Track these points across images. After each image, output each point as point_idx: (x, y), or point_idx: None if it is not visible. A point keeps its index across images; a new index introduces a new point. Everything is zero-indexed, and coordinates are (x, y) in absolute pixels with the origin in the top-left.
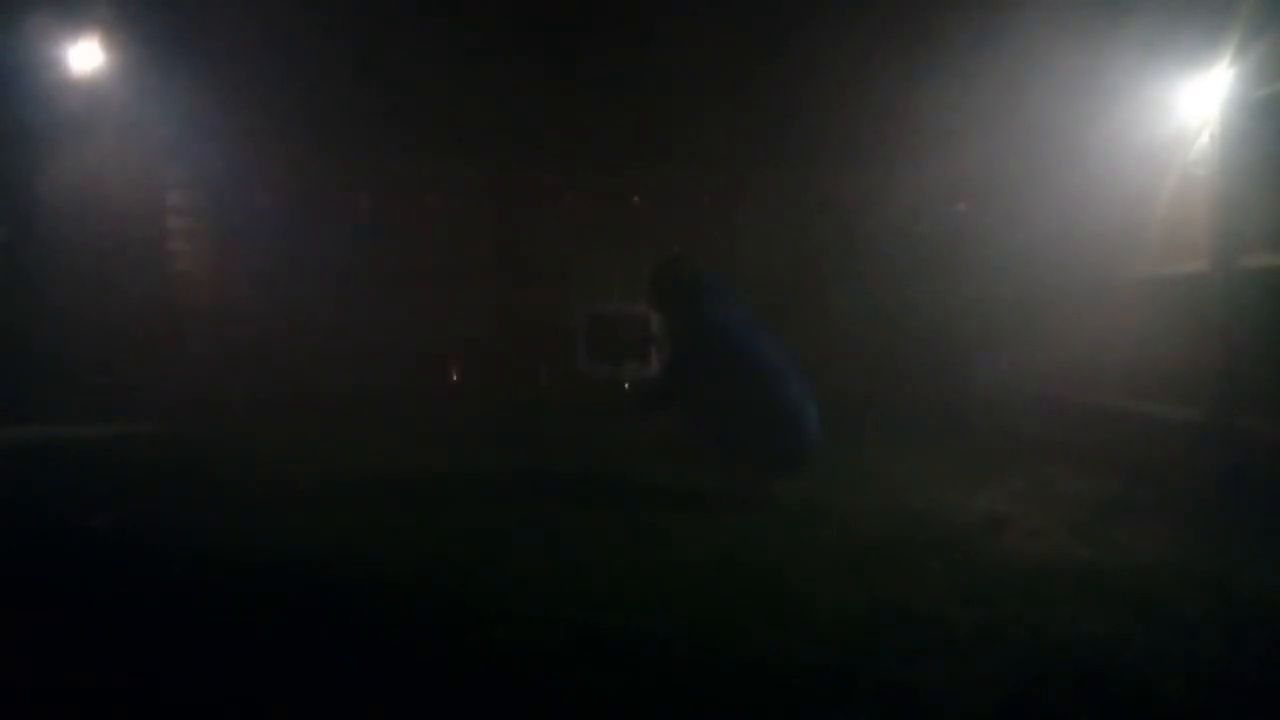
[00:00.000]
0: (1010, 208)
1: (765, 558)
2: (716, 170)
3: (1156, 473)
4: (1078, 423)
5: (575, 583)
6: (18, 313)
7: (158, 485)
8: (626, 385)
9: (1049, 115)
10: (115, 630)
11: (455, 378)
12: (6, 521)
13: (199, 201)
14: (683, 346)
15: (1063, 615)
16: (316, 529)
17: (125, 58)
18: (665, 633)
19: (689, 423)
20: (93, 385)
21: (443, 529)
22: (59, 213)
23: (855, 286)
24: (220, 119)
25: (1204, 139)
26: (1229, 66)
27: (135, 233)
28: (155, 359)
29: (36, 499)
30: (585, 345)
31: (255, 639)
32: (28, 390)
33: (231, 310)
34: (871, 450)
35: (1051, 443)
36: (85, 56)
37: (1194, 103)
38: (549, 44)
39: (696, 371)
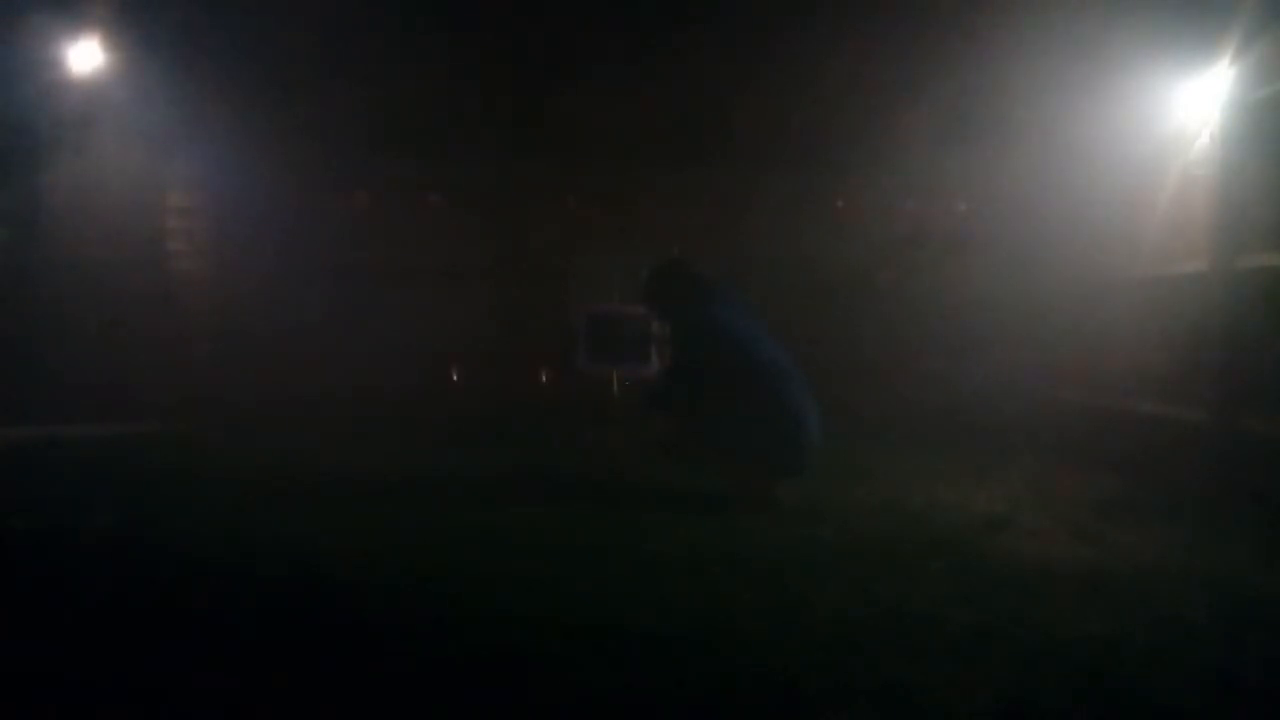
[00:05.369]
0: (1010, 207)
1: (765, 558)
2: (719, 170)
3: (1156, 473)
4: (1077, 423)
5: (575, 583)
6: (18, 312)
7: (158, 485)
8: (627, 386)
9: (1048, 115)
10: (115, 630)
11: (455, 378)
12: (6, 521)
13: (199, 201)
14: (683, 348)
15: (1063, 615)
16: (316, 529)
17: (125, 58)
18: (665, 633)
19: (690, 424)
20: (92, 385)
21: (442, 529)
22: (59, 213)
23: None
24: (220, 119)
25: (1204, 139)
26: (1229, 66)
27: (135, 233)
28: (155, 359)
29: (36, 499)
30: (585, 345)
31: (254, 639)
32: (28, 390)
33: (231, 310)
34: (871, 450)
35: (1051, 443)
36: (85, 56)
37: (1194, 103)
38: (549, 43)
39: (698, 373)
